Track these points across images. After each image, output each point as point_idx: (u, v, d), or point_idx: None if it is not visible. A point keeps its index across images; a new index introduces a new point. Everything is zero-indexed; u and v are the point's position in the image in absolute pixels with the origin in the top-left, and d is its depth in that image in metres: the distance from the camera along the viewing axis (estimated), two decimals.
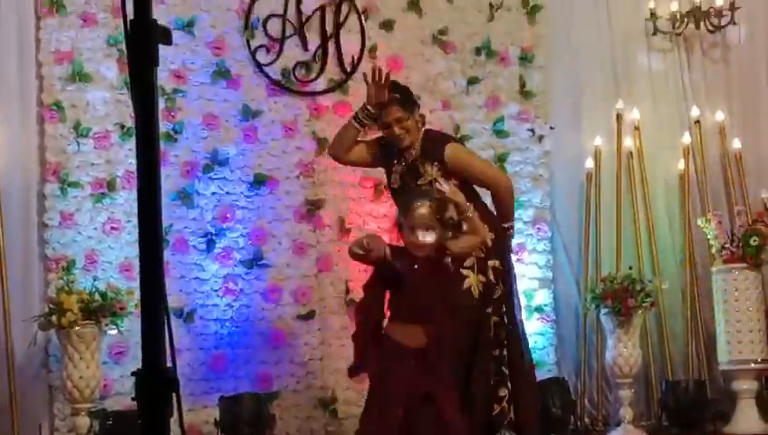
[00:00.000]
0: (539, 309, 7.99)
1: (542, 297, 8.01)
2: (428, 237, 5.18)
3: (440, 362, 5.21)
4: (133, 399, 2.40)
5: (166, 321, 2.41)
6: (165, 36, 2.45)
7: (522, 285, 7.14)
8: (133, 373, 2.39)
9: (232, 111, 7.38)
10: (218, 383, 7.11)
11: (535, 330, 7.78)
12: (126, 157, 7.00)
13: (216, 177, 7.28)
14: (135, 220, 2.43)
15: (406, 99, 6.22)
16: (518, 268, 6.85)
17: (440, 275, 5.30)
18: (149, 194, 2.39)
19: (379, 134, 6.33)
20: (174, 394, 2.40)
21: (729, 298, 7.74)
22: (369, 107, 6.12)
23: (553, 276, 8.12)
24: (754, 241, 7.67)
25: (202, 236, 7.21)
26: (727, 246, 7.74)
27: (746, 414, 7.67)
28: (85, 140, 7.00)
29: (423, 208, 5.21)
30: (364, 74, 6.46)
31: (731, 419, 7.75)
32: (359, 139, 6.33)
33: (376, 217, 7.55)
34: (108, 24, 7.10)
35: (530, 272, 7.98)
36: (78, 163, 6.97)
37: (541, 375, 7.26)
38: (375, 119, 6.18)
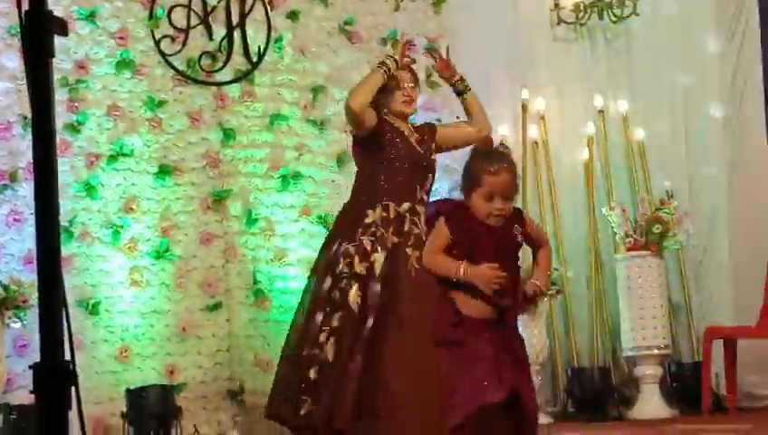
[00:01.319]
0: None
1: None
2: (508, 206, 4.59)
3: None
4: (31, 392, 2.39)
5: (64, 313, 2.40)
6: (61, 28, 2.43)
7: None
8: (30, 367, 2.38)
9: (136, 102, 7.31)
10: (125, 375, 7.04)
11: None
12: (28, 148, 6.89)
13: (120, 167, 7.20)
14: None
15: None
16: None
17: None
18: (46, 188, 2.37)
19: None
20: (73, 387, 2.39)
21: (633, 286, 7.87)
22: (396, 58, 5.62)
23: None
24: (657, 229, 7.80)
25: (107, 228, 7.13)
26: (631, 234, 7.86)
27: (650, 399, 7.82)
28: None
29: (505, 173, 4.60)
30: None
31: (635, 404, 7.89)
32: None
33: (282, 207, 7.53)
34: (9, 14, 6.99)
35: None
36: None
37: None
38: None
